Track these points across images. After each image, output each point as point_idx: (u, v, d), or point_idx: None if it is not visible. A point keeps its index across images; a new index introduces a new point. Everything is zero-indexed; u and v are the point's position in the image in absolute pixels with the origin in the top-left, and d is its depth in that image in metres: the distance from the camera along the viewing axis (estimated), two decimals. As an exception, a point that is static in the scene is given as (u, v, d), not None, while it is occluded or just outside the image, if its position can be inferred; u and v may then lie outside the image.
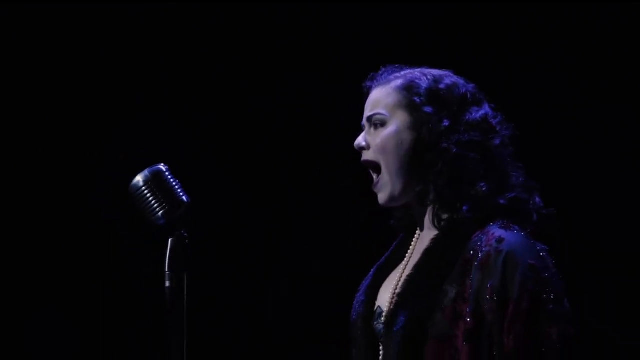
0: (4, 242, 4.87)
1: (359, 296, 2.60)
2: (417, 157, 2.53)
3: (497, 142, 2.54)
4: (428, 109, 2.53)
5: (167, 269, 1.86)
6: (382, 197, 2.56)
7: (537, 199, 2.55)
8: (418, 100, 2.53)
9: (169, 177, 2.00)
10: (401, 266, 2.60)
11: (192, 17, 4.85)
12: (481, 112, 2.55)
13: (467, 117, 2.53)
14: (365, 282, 2.62)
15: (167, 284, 1.82)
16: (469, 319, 2.41)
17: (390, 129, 2.54)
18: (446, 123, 2.52)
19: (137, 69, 4.87)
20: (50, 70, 4.86)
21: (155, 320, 4.78)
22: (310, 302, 4.78)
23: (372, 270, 2.65)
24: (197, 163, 4.75)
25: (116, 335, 4.90)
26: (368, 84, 2.64)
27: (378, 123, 2.57)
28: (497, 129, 2.56)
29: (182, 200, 1.96)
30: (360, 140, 2.58)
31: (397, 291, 2.51)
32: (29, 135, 4.89)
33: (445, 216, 2.53)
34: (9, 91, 4.88)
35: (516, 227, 2.48)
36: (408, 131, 2.54)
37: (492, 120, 2.56)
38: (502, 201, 2.50)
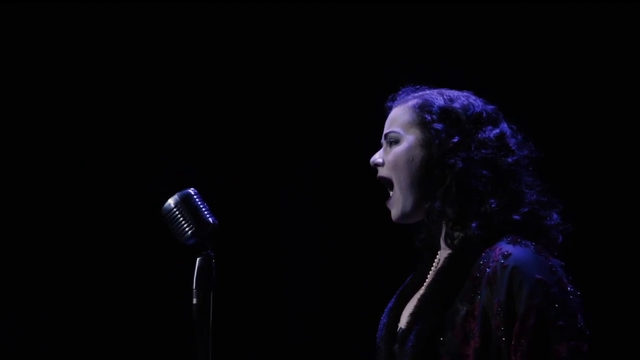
0: (5, 243, 4.93)
1: (383, 318, 2.65)
2: (427, 173, 2.59)
3: (511, 160, 2.57)
4: (438, 126, 2.59)
5: (194, 287, 1.99)
6: (394, 213, 2.64)
7: (555, 216, 2.57)
8: (429, 118, 2.61)
9: (197, 200, 2.15)
10: (423, 287, 2.63)
11: (214, 30, 4.92)
12: (495, 131, 2.60)
13: (480, 136, 2.58)
14: (389, 304, 2.67)
15: (194, 301, 1.95)
16: (478, 337, 2.41)
17: (402, 145, 2.62)
18: (455, 139, 2.57)
19: (144, 73, 4.93)
20: (52, 71, 4.91)
21: (158, 324, 4.88)
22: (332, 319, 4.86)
23: (397, 292, 2.70)
24: (209, 173, 4.81)
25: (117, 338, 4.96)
26: (389, 103, 2.73)
27: (393, 140, 2.65)
28: (513, 148, 2.60)
29: (209, 221, 2.11)
30: (375, 157, 2.67)
31: (411, 311, 2.55)
32: (30, 135, 4.94)
33: (457, 234, 2.56)
34: (20, 93, 4.95)
35: (526, 242, 2.48)
36: (419, 148, 2.61)
37: (508, 139, 2.61)
38: (515, 217, 2.52)
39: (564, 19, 4.49)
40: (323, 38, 4.83)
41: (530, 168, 2.62)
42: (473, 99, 2.65)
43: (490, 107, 2.66)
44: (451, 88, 2.71)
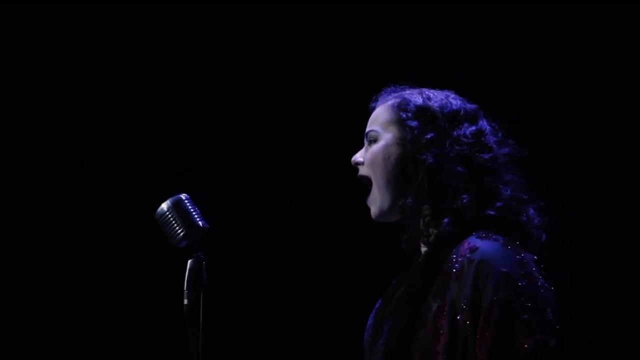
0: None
1: (369, 320, 2.68)
2: (402, 170, 2.63)
3: (487, 156, 2.59)
4: (413, 123, 2.63)
5: (185, 288, 2.09)
6: (373, 211, 2.67)
7: (532, 212, 2.57)
8: (404, 116, 2.65)
9: (188, 204, 2.26)
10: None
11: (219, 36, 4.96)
12: (472, 128, 2.63)
13: (456, 133, 2.61)
14: (376, 306, 2.70)
15: (185, 302, 2.06)
16: (447, 333, 2.42)
17: (380, 144, 2.67)
18: (429, 136, 2.61)
19: (144, 73, 4.97)
20: (52, 71, 4.95)
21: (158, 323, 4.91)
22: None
23: (384, 293, 2.72)
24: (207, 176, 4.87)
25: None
26: (372, 104, 2.79)
27: (372, 139, 2.69)
28: (490, 145, 2.62)
29: (198, 224, 2.22)
30: (356, 156, 2.72)
31: (387, 309, 2.59)
32: (30, 136, 4.98)
33: (432, 231, 2.59)
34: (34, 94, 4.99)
35: (497, 237, 2.49)
36: (396, 146, 2.65)
37: (486, 136, 2.63)
38: (488, 212, 2.53)
39: (563, 18, 4.53)
40: (323, 38, 4.87)
41: (509, 165, 2.63)
42: (452, 97, 2.69)
43: (469, 106, 2.69)
44: (447, 88, 2.75)
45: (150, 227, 4.64)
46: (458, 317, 2.41)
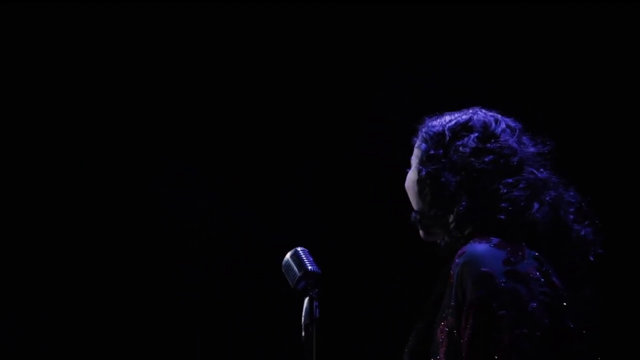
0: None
1: None
2: (417, 191, 2.85)
3: (487, 159, 2.74)
4: (423, 146, 2.86)
5: (302, 322, 2.71)
6: (421, 234, 2.91)
7: (536, 207, 2.70)
8: (418, 142, 2.89)
9: (302, 254, 2.94)
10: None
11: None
12: (474, 135, 2.78)
13: (459, 143, 2.79)
14: None
15: (303, 333, 2.67)
16: (445, 339, 2.61)
17: (409, 173, 2.93)
18: (431, 152, 2.81)
19: (144, 73, 5.25)
20: (52, 71, 5.22)
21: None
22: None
23: None
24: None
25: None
26: None
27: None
28: (493, 148, 2.75)
29: (308, 269, 2.85)
30: None
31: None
32: (30, 136, 5.25)
33: (443, 242, 2.80)
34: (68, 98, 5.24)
35: (491, 239, 2.64)
36: (415, 171, 2.88)
37: (493, 140, 2.77)
38: (490, 215, 2.68)
39: (565, 18, 4.85)
40: (323, 38, 5.19)
41: (524, 164, 2.76)
42: (466, 113, 2.86)
43: (481, 115, 2.85)
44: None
45: (150, 227, 4.97)
46: (450, 320, 2.61)
